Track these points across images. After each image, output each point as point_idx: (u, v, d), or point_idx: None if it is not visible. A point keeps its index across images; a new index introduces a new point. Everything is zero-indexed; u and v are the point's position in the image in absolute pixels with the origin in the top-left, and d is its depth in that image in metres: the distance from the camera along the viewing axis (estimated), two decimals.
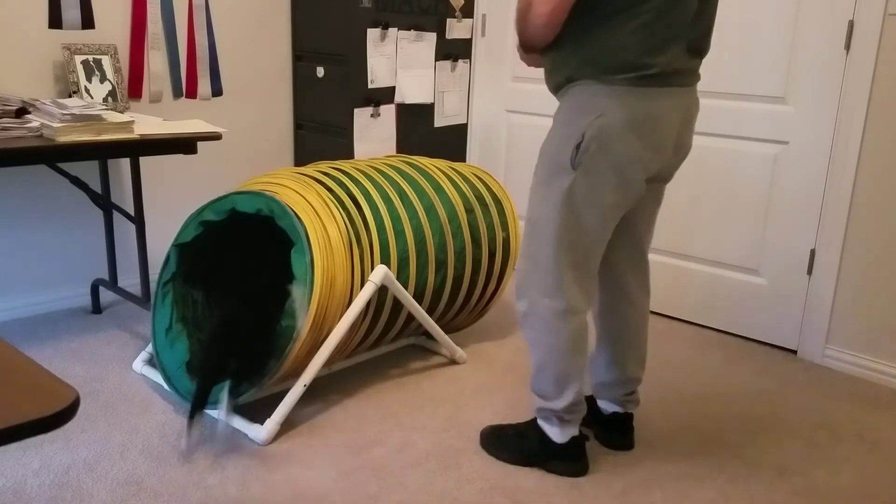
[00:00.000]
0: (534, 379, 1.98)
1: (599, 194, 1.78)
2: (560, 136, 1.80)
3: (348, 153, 3.31)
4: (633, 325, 2.07)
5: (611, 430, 2.15)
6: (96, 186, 2.85)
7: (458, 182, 2.60)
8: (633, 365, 2.09)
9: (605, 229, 1.84)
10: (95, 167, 2.91)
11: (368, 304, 2.25)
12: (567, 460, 2.01)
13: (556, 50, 1.79)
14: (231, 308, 2.26)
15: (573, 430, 1.99)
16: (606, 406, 2.15)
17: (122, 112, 2.66)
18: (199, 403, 2.07)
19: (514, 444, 2.07)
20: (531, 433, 2.03)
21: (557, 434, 1.98)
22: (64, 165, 2.70)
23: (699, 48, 1.81)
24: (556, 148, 1.81)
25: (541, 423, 2.01)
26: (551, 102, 1.88)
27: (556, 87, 1.85)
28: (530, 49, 1.84)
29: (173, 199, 3.24)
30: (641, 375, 2.12)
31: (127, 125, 2.33)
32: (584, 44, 1.73)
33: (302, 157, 3.57)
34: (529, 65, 1.94)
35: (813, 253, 2.78)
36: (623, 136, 1.73)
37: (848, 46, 2.59)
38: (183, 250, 2.35)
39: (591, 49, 1.72)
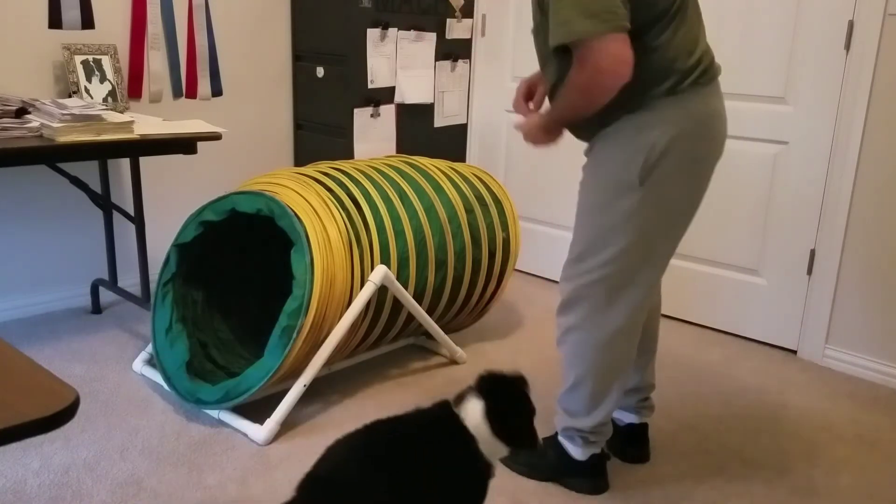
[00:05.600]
0: (565, 396, 1.92)
1: (673, 206, 1.73)
2: (621, 155, 1.71)
3: (348, 153, 3.31)
4: (651, 331, 2.04)
5: (626, 442, 2.10)
6: (96, 186, 2.85)
7: (458, 182, 2.60)
8: (651, 371, 2.07)
9: (677, 241, 1.80)
10: (95, 167, 2.90)
11: (368, 304, 2.25)
12: (586, 477, 1.95)
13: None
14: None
15: (595, 449, 1.94)
16: (622, 416, 2.10)
17: (121, 112, 2.66)
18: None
19: (531, 459, 2.02)
20: (550, 450, 1.98)
21: (578, 452, 1.93)
22: (64, 165, 2.70)
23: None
24: (617, 167, 1.71)
25: (562, 440, 1.96)
26: None
27: (607, 124, 1.72)
28: (593, 109, 1.64)
29: (173, 199, 3.24)
30: (654, 381, 2.10)
31: (127, 125, 2.33)
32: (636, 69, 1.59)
33: (302, 157, 3.57)
34: (549, 143, 1.85)
35: (813, 253, 2.78)
36: (695, 140, 1.69)
37: (848, 46, 2.59)
38: (183, 250, 2.35)
39: (643, 72, 1.61)
